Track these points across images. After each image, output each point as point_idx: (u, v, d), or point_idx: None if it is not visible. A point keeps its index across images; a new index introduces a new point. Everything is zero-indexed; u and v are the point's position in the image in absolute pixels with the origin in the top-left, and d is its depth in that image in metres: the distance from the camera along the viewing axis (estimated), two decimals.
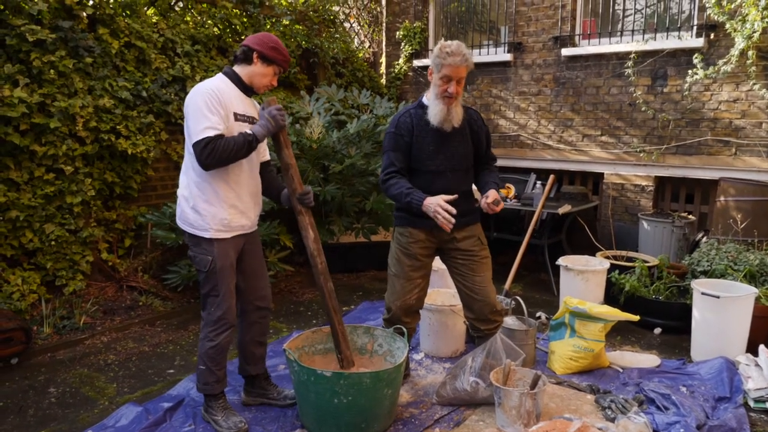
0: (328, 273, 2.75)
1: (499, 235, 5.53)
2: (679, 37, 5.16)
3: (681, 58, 5.17)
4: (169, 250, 4.79)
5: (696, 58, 4.97)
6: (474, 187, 3.10)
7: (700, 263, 4.19)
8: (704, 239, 4.67)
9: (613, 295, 4.24)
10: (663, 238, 4.99)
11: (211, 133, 2.42)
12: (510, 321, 3.47)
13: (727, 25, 4.73)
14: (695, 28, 5.08)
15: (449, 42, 2.76)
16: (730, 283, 3.65)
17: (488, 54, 6.43)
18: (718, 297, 3.40)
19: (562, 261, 4.25)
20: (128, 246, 4.64)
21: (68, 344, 3.77)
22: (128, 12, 4.54)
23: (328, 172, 4.89)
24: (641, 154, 5.47)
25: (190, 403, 2.98)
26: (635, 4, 5.53)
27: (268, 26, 5.79)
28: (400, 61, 7.14)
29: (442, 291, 3.90)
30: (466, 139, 2.94)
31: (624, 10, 5.64)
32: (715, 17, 4.81)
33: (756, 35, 4.55)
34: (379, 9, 7.38)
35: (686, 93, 5.16)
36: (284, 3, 6.02)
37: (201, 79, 4.81)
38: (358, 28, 7.41)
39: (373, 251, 5.52)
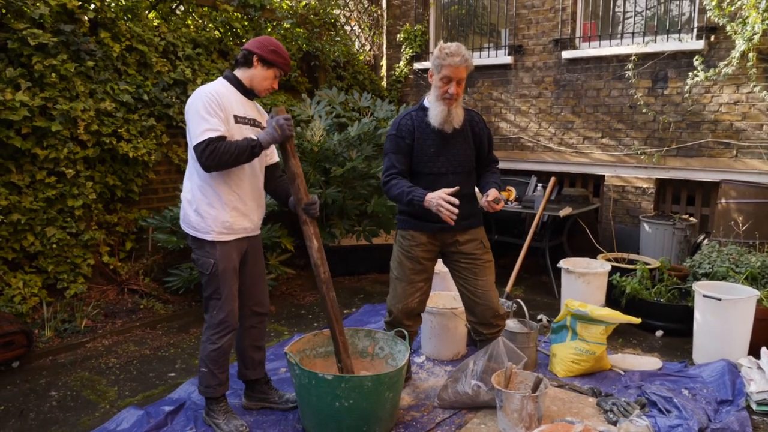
0: (331, 282, 2.75)
1: (500, 238, 5.53)
2: (680, 40, 5.16)
3: (681, 60, 5.17)
4: (170, 254, 4.79)
5: (696, 60, 4.97)
6: (476, 189, 3.10)
7: (702, 265, 4.18)
8: (705, 241, 4.67)
9: (614, 298, 4.23)
10: (664, 240, 4.99)
11: (212, 134, 2.43)
12: (511, 324, 3.47)
13: (728, 28, 4.74)
14: (695, 30, 5.09)
15: (449, 43, 2.77)
16: (731, 285, 3.64)
17: (489, 57, 6.44)
18: (719, 299, 3.40)
19: (563, 263, 4.24)
20: (129, 249, 4.64)
21: (69, 347, 3.77)
22: (129, 16, 4.55)
23: (329, 175, 4.89)
24: (642, 157, 5.47)
25: (192, 406, 2.98)
26: (635, 7, 5.54)
27: (269, 29, 5.80)
28: (401, 63, 7.15)
29: (443, 294, 3.90)
30: (468, 141, 2.94)
31: (624, 12, 5.64)
32: (716, 19, 4.81)
33: (756, 37, 4.55)
34: (379, 12, 7.39)
35: (687, 95, 5.16)
36: (285, 6, 6.03)
37: (202, 83, 4.82)
38: (359, 31, 7.42)
39: (374, 254, 5.52)
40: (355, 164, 4.73)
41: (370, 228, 5.02)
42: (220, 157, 2.42)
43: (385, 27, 7.34)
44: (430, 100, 2.88)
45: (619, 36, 5.61)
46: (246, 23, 5.59)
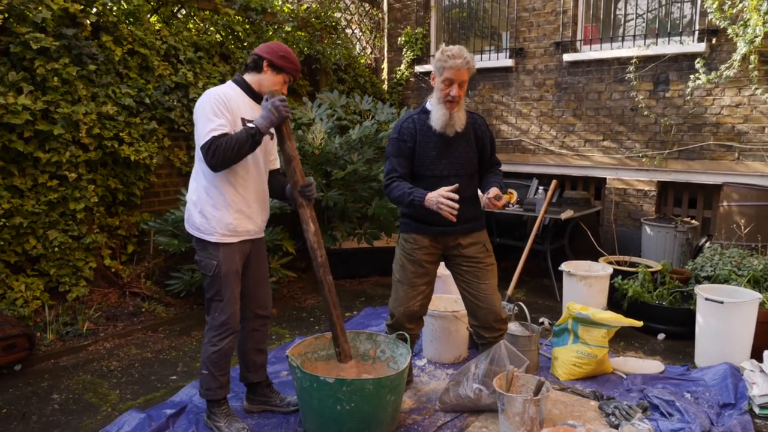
0: (328, 266, 2.74)
1: (501, 241, 5.53)
2: (681, 42, 5.16)
3: (683, 62, 5.17)
4: (172, 257, 4.80)
5: (698, 62, 4.97)
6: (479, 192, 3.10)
7: (704, 268, 4.18)
8: (707, 244, 4.66)
9: (616, 301, 4.23)
10: (666, 243, 4.98)
11: (215, 134, 2.46)
12: (513, 327, 3.47)
13: (729, 30, 4.73)
14: (697, 32, 5.09)
15: (451, 46, 2.78)
16: (733, 288, 3.64)
17: (490, 60, 6.44)
18: (722, 302, 3.40)
19: (564, 266, 4.24)
20: (131, 252, 4.65)
21: (71, 350, 3.78)
22: (131, 19, 4.56)
23: (330, 178, 4.89)
24: (643, 159, 5.46)
25: (193, 409, 2.98)
26: (636, 9, 5.54)
27: (270, 33, 5.81)
28: (402, 66, 7.16)
29: (444, 297, 3.89)
30: (470, 143, 2.94)
31: (625, 15, 5.65)
32: (717, 22, 4.81)
33: (758, 40, 4.55)
34: (380, 15, 7.41)
35: (688, 98, 5.16)
36: (286, 10, 6.04)
37: (204, 86, 4.84)
38: (360, 34, 7.43)
39: (375, 257, 5.52)
40: (356, 167, 4.74)
41: (371, 231, 5.02)
42: (223, 152, 2.43)
43: (386, 30, 7.35)
44: (432, 103, 2.88)
45: (620, 39, 5.61)
46: (247, 27, 5.61)
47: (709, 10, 4.83)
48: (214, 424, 2.76)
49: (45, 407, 3.09)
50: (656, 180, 5.44)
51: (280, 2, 6.13)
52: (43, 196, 3.94)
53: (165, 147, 4.74)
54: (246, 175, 2.64)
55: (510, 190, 5.59)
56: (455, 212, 2.61)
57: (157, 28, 4.86)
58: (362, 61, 7.20)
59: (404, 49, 7.11)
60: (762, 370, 3.17)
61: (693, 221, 5.18)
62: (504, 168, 3.18)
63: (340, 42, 6.63)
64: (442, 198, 2.62)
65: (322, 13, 6.35)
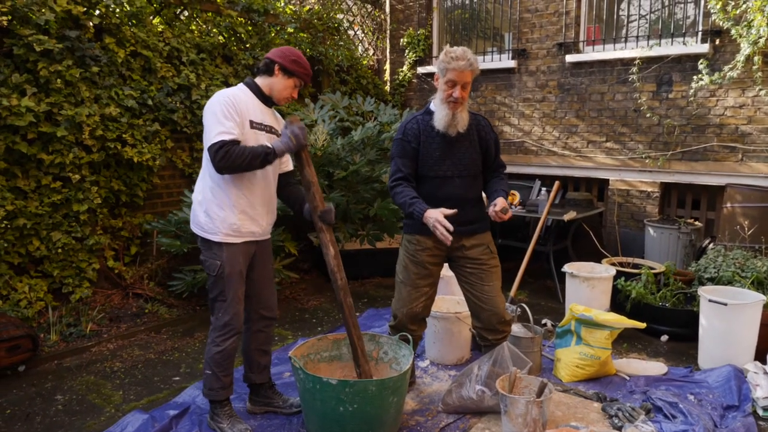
0: (348, 289, 2.76)
1: (504, 242, 5.52)
2: (684, 43, 5.16)
3: (686, 63, 5.16)
4: (175, 258, 4.80)
5: (701, 63, 4.96)
6: (484, 194, 3.10)
7: (707, 270, 4.17)
8: (711, 246, 4.65)
9: (619, 302, 4.22)
10: (669, 244, 4.97)
11: (226, 137, 2.47)
12: (516, 328, 3.46)
13: (733, 31, 4.72)
14: (700, 33, 5.08)
15: (455, 47, 2.78)
16: (737, 290, 3.63)
17: (492, 61, 6.44)
18: (725, 304, 3.39)
19: (567, 268, 4.23)
20: (134, 253, 4.66)
21: (75, 351, 3.79)
22: (134, 21, 4.58)
23: (332, 179, 4.90)
24: (647, 160, 5.45)
25: (196, 410, 2.98)
26: (639, 10, 5.53)
27: (273, 34, 5.82)
28: (404, 68, 7.16)
29: (447, 298, 3.89)
30: (474, 145, 2.94)
31: (628, 16, 5.64)
32: (721, 23, 4.80)
33: (762, 41, 4.54)
34: (383, 16, 7.41)
35: (692, 99, 5.15)
36: (289, 11, 6.05)
37: (206, 88, 4.85)
38: (362, 35, 7.44)
39: (378, 258, 5.52)
40: (358, 168, 4.74)
41: (373, 232, 5.02)
42: (233, 160, 2.45)
43: (388, 31, 7.35)
44: (435, 104, 2.89)
45: (623, 40, 5.61)
46: (250, 28, 5.62)
47: (712, 11, 4.82)
48: (217, 425, 2.76)
49: (49, 408, 3.09)
50: (659, 181, 5.43)
51: (282, 4, 6.14)
52: (46, 197, 3.95)
53: (168, 148, 4.74)
54: (252, 177, 2.65)
55: (512, 191, 5.62)
56: (450, 240, 2.64)
57: (159, 29, 4.87)
58: (364, 62, 7.20)
59: (406, 51, 7.11)
60: (766, 372, 3.16)
61: (696, 223, 5.17)
62: (507, 169, 3.19)
63: (342, 43, 6.64)
64: (437, 223, 2.64)
65: (325, 15, 6.36)
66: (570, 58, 5.78)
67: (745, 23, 4.65)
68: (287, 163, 2.88)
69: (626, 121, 5.57)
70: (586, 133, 5.84)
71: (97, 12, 4.24)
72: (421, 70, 7.02)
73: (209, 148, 2.49)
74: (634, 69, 5.35)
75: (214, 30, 5.39)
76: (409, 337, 2.92)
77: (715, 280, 4.05)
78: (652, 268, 4.44)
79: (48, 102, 3.85)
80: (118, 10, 4.42)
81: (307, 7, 6.44)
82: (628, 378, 3.37)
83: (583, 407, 3.02)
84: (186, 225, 4.33)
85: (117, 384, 3.39)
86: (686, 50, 5.09)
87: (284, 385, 3.27)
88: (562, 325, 3.46)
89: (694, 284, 4.21)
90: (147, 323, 4.27)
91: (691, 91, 5.10)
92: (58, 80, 3.88)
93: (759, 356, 3.45)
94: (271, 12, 5.63)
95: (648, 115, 5.38)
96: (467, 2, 6.79)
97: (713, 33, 4.96)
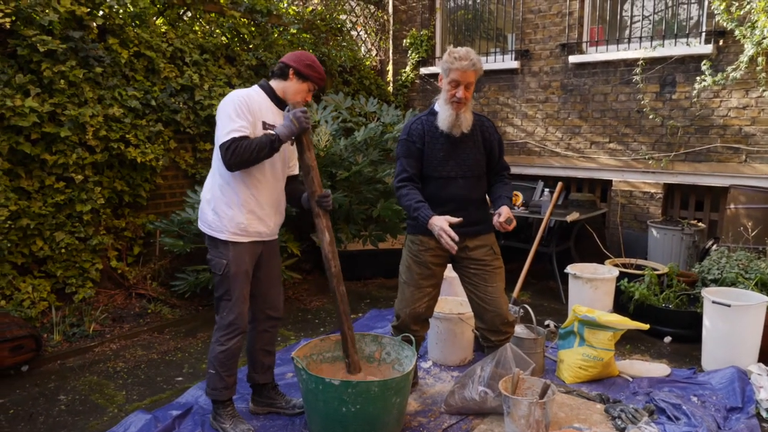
0: (342, 276, 2.77)
1: (506, 243, 5.51)
2: (688, 44, 5.14)
3: (689, 64, 5.15)
4: (178, 258, 4.81)
5: (705, 64, 4.95)
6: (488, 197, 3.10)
7: (711, 271, 4.16)
8: (714, 247, 4.64)
9: (622, 304, 4.21)
10: (672, 245, 4.96)
11: (237, 134, 2.49)
12: (519, 329, 3.46)
13: (736, 32, 4.71)
14: (704, 34, 5.07)
15: (458, 48, 2.79)
16: (741, 291, 3.62)
17: (495, 61, 6.44)
18: (729, 306, 3.38)
19: (570, 269, 4.23)
20: (137, 254, 4.66)
21: (78, 352, 3.79)
22: (138, 22, 4.58)
23: (335, 180, 4.90)
24: (650, 161, 5.44)
25: (199, 411, 2.98)
26: (643, 11, 5.53)
27: (276, 35, 5.82)
28: (407, 68, 7.16)
29: (450, 299, 3.89)
30: (478, 146, 2.94)
31: (632, 16, 5.63)
32: (724, 23, 4.79)
33: (765, 41, 4.53)
34: (386, 17, 7.41)
35: (695, 100, 5.14)
36: (292, 12, 6.06)
37: (209, 88, 4.86)
38: (365, 36, 7.44)
39: (380, 259, 5.52)
40: (361, 169, 4.73)
41: (376, 233, 5.02)
42: (242, 154, 2.47)
43: (391, 32, 7.35)
44: (439, 104, 2.89)
45: (626, 40, 5.60)
46: (253, 29, 5.62)
47: (716, 12, 4.81)
48: (220, 425, 2.76)
49: (52, 408, 3.10)
50: (663, 182, 5.42)
51: (285, 4, 6.15)
52: (49, 197, 3.96)
53: (171, 149, 4.75)
54: (261, 177, 2.67)
55: (515, 192, 5.61)
56: (456, 248, 2.65)
57: (163, 30, 4.88)
58: (367, 63, 7.21)
59: (409, 51, 7.11)
60: None
61: (700, 224, 5.16)
62: (510, 170, 3.19)
63: (345, 44, 6.64)
64: (443, 232, 2.64)
65: (328, 15, 6.36)
66: (573, 58, 5.77)
67: (749, 24, 4.64)
68: (295, 167, 2.89)
69: (629, 122, 5.56)
70: (589, 134, 5.84)
71: (101, 13, 4.25)
72: (423, 70, 7.01)
73: (220, 147, 2.51)
74: (638, 70, 5.34)
75: (217, 31, 5.40)
76: (412, 337, 2.92)
77: (718, 282, 4.04)
78: (656, 270, 4.43)
79: (51, 102, 3.86)
80: (121, 10, 4.43)
81: (310, 8, 6.45)
82: (631, 379, 3.36)
83: (586, 408, 3.01)
84: (189, 225, 4.34)
85: (120, 384, 3.39)
86: (689, 51, 5.08)
87: (287, 386, 3.27)
88: (565, 326, 3.46)
89: (697, 285, 4.20)
90: (150, 323, 4.28)
91: (695, 92, 5.09)
92: (62, 81, 3.89)
93: (762, 358, 3.44)
94: (274, 13, 5.63)
95: (651, 116, 5.37)
96: (470, 3, 6.78)
97: (717, 34, 4.95)
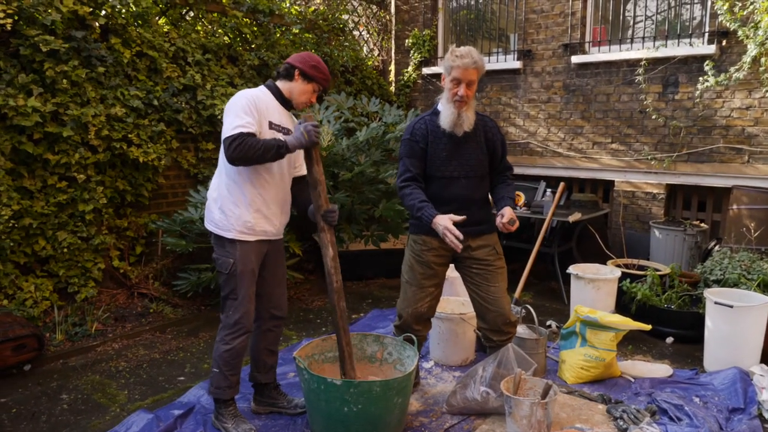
0: (343, 292, 2.77)
1: (508, 243, 5.51)
2: (691, 44, 5.14)
3: (692, 65, 5.14)
4: (180, 257, 4.81)
5: (707, 65, 4.94)
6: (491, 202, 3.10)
7: (713, 272, 4.15)
8: (717, 248, 4.63)
9: (624, 304, 4.21)
10: (675, 246, 4.95)
11: (243, 130, 2.50)
12: (520, 330, 3.46)
13: (740, 32, 4.70)
14: (707, 35, 5.06)
15: (461, 47, 2.79)
16: (743, 292, 3.61)
17: (497, 61, 6.43)
18: (731, 306, 3.37)
19: (572, 269, 4.22)
20: (139, 253, 4.67)
21: (80, 351, 3.80)
22: (140, 22, 4.59)
23: (337, 180, 4.90)
24: (652, 162, 5.44)
25: (201, 410, 2.99)
26: (646, 11, 5.52)
27: (278, 35, 5.83)
28: (409, 68, 7.16)
29: (452, 299, 3.89)
30: (481, 146, 2.95)
31: (634, 17, 5.62)
32: (727, 24, 4.78)
33: None
34: (388, 17, 7.41)
35: (698, 100, 5.13)
36: (294, 12, 6.06)
37: (211, 88, 4.87)
38: (368, 36, 7.44)
39: (382, 259, 5.52)
40: (363, 169, 4.74)
41: (378, 233, 5.02)
42: (247, 150, 2.47)
43: (393, 32, 7.36)
44: (442, 103, 2.90)
45: (629, 41, 5.59)
46: (255, 29, 5.63)
47: (719, 12, 4.80)
48: (222, 424, 2.77)
49: (54, 407, 3.11)
50: (665, 183, 5.41)
51: (287, 4, 6.15)
52: (52, 197, 3.97)
53: (173, 149, 4.76)
54: (269, 177, 2.68)
55: (517, 192, 5.61)
56: (461, 246, 2.65)
57: (165, 30, 4.89)
58: (369, 63, 7.21)
59: (412, 51, 7.11)
60: None
61: (702, 224, 5.15)
62: (513, 171, 3.19)
63: (347, 44, 6.64)
64: (447, 231, 2.64)
65: (330, 15, 6.37)
66: (576, 59, 5.77)
67: (752, 24, 4.63)
68: (301, 168, 2.90)
69: (632, 122, 5.55)
70: (591, 135, 5.83)
71: (103, 12, 4.26)
72: (426, 70, 7.01)
73: (225, 139, 2.51)
74: (640, 70, 5.33)
75: (220, 30, 5.40)
76: (414, 338, 2.92)
77: (720, 282, 4.03)
78: (658, 270, 4.43)
79: (54, 102, 3.86)
80: (124, 10, 4.43)
81: (313, 8, 6.45)
82: (633, 380, 3.36)
83: (588, 409, 3.01)
84: (191, 225, 4.34)
85: (122, 383, 3.40)
86: (692, 51, 5.07)
87: (289, 386, 3.27)
88: (567, 326, 3.45)
89: (699, 286, 4.19)
90: (152, 323, 4.28)
91: (698, 92, 5.08)
92: (64, 80, 3.90)
93: (765, 359, 3.43)
94: (277, 12, 5.64)
95: (654, 116, 5.36)
96: (473, 3, 6.78)
97: (720, 34, 4.94)
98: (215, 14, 5.35)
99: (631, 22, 5.65)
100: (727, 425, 2.85)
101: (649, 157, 5.44)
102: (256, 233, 2.69)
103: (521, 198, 5.49)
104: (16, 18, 3.71)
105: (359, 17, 7.28)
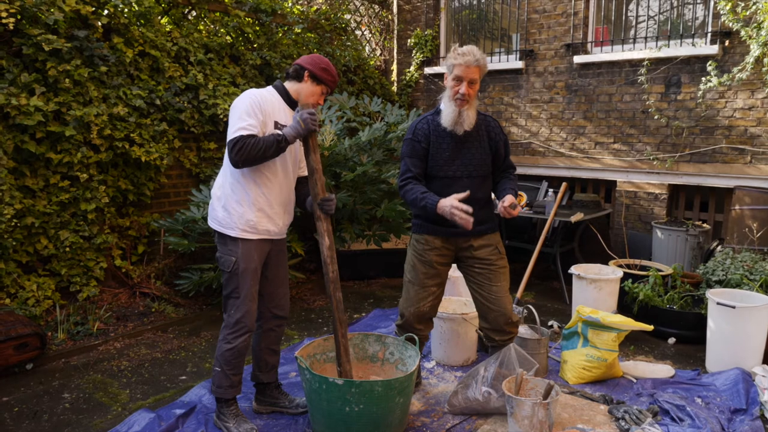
0: (339, 282, 2.76)
1: (510, 243, 5.51)
2: (693, 44, 5.13)
3: (695, 65, 5.13)
4: (182, 257, 4.82)
5: (710, 65, 4.94)
6: (493, 195, 3.10)
7: (715, 272, 4.14)
8: (719, 248, 4.62)
9: (626, 304, 4.20)
10: (677, 246, 4.95)
11: (244, 132, 2.51)
12: (522, 330, 3.46)
13: (742, 32, 4.70)
14: (709, 35, 5.05)
15: (463, 46, 2.80)
16: (745, 293, 3.60)
17: (500, 61, 6.43)
18: (733, 307, 3.36)
19: (574, 269, 4.22)
20: (141, 252, 4.67)
21: (82, 350, 3.80)
22: (142, 21, 4.59)
23: (339, 180, 4.90)
24: (654, 162, 5.43)
25: (202, 410, 2.99)
26: (648, 11, 5.51)
27: (280, 34, 5.83)
28: (412, 68, 7.16)
29: (454, 299, 3.89)
30: (483, 145, 2.94)
31: (637, 16, 5.62)
32: (730, 24, 4.77)
33: None
34: (390, 17, 7.41)
35: (700, 100, 5.12)
36: (296, 11, 6.06)
37: (214, 87, 4.87)
38: (370, 35, 7.44)
39: (384, 258, 5.52)
40: (365, 169, 4.74)
41: (380, 233, 5.02)
42: (248, 152, 2.48)
43: (395, 32, 7.35)
44: (444, 102, 2.90)
45: (631, 41, 5.58)
46: (257, 28, 5.63)
47: (722, 12, 4.80)
48: (223, 424, 2.77)
49: (56, 406, 3.11)
50: (667, 183, 5.40)
51: (290, 4, 6.15)
52: (54, 196, 3.97)
53: (175, 148, 4.76)
54: (272, 176, 2.69)
55: (519, 192, 5.60)
56: (471, 219, 2.62)
57: (167, 29, 4.89)
58: (372, 62, 7.21)
59: (414, 51, 7.11)
60: None
61: (704, 225, 5.14)
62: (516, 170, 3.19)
63: (349, 43, 6.65)
64: (455, 209, 2.62)
65: (332, 15, 6.37)
66: (578, 59, 5.76)
67: (755, 24, 4.62)
68: (305, 168, 2.90)
69: (634, 122, 5.55)
70: (593, 135, 5.82)
71: (106, 12, 4.26)
72: (428, 70, 7.01)
73: (227, 143, 2.54)
74: (643, 70, 5.33)
75: (222, 30, 5.41)
76: (416, 337, 2.92)
77: (723, 283, 4.02)
78: (660, 270, 4.42)
79: (56, 101, 3.87)
80: (126, 10, 4.44)
81: (315, 8, 6.45)
82: (635, 380, 3.36)
83: (590, 409, 3.01)
84: (193, 224, 4.35)
85: (124, 383, 3.40)
86: (695, 51, 5.06)
87: (290, 385, 3.27)
88: (569, 326, 3.45)
89: (701, 287, 4.19)
90: (154, 322, 4.29)
91: (700, 92, 5.07)
92: (67, 80, 3.90)
93: (767, 359, 3.42)
94: (279, 12, 5.64)
95: (656, 116, 5.36)
96: (475, 3, 6.78)
97: (722, 34, 4.93)
98: (217, 14, 5.36)
99: (634, 22, 5.65)
100: (729, 426, 2.84)
101: (652, 158, 5.44)
102: (258, 232, 2.69)
103: (523, 198, 5.48)
104: (18, 17, 3.71)
105: (361, 17, 7.28)
